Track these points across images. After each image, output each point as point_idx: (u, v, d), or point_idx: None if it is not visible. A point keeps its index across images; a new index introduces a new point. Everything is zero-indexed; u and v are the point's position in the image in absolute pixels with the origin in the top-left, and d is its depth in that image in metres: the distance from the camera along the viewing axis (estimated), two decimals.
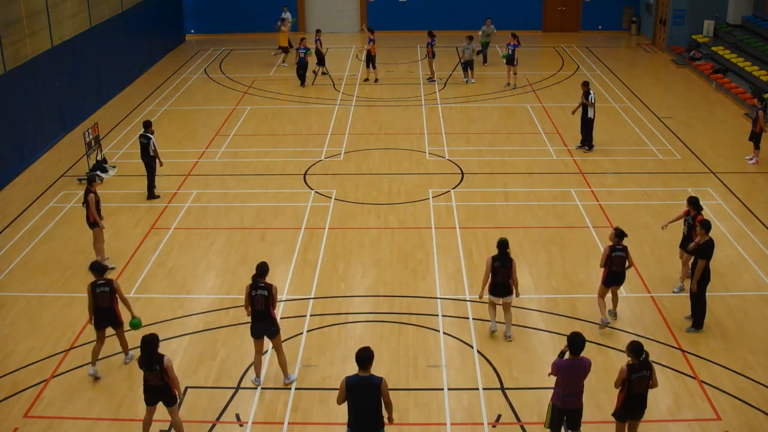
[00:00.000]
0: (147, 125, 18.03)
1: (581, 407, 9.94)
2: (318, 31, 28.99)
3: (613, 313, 13.19)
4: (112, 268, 14.89)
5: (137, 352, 10.20)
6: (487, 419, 10.86)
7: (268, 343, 11.64)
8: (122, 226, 16.82)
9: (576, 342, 9.69)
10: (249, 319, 11.34)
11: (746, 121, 22.75)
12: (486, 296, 12.64)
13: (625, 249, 12.62)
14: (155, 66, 30.92)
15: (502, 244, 12.29)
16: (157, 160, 17.95)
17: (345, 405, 9.27)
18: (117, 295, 11.72)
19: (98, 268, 11.79)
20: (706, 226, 12.56)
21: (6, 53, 19.61)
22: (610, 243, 12.67)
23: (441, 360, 12.11)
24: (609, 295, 13.11)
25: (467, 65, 27.27)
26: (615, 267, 12.58)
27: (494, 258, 12.27)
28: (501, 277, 12.26)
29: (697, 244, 12.56)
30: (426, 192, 18.29)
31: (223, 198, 18.22)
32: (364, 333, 12.93)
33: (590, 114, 20.42)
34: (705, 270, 12.45)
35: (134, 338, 12.73)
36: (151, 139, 17.78)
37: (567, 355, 9.75)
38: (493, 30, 29.27)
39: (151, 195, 18.20)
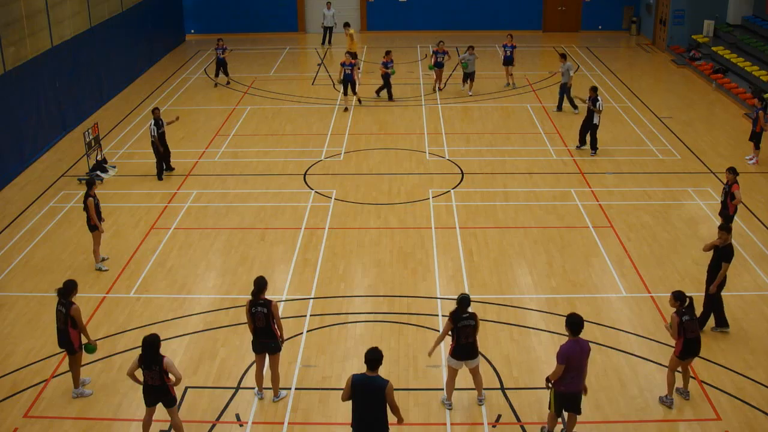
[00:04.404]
0: (153, 112, 19.28)
1: (582, 389, 10.01)
2: (219, 40, 27.19)
3: (686, 393, 11.27)
4: (106, 270, 14.93)
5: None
6: (487, 419, 10.86)
7: None
8: (122, 226, 16.82)
9: (575, 322, 9.79)
10: (248, 317, 11.31)
11: (746, 121, 22.75)
12: (447, 359, 11.04)
13: (691, 310, 10.86)
14: (155, 66, 30.92)
15: (460, 301, 10.72)
16: (157, 145, 19.02)
17: (349, 406, 9.28)
18: (72, 320, 10.99)
19: (64, 287, 11.17)
20: (728, 229, 12.34)
21: (6, 53, 19.61)
22: (675, 308, 10.87)
23: (441, 360, 12.10)
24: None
25: (467, 76, 26.80)
26: (690, 334, 10.78)
27: (451, 317, 10.69)
28: (464, 337, 10.67)
29: (713, 245, 12.41)
30: (426, 192, 18.29)
31: (223, 198, 18.22)
32: (364, 333, 12.93)
33: (595, 120, 20.36)
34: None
35: (137, 339, 12.75)
36: (150, 125, 19.01)
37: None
38: (567, 68, 23.68)
39: (160, 176, 19.35)
